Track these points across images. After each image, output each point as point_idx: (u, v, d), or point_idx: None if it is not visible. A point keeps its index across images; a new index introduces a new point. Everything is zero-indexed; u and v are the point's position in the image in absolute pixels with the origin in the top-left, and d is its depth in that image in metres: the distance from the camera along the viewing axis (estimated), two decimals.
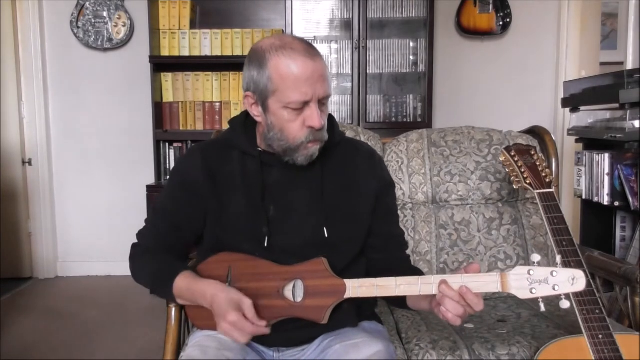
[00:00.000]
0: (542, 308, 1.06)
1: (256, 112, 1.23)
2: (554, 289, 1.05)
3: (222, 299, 1.12)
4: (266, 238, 1.23)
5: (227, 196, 1.26)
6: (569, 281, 1.05)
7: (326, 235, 1.24)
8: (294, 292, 1.17)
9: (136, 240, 1.34)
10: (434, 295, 1.11)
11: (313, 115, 1.16)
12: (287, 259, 1.20)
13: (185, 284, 1.21)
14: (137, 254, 1.32)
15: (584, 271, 1.14)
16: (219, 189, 1.26)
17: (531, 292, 1.05)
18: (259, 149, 1.27)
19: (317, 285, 1.16)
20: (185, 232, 1.30)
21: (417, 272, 1.35)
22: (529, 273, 1.05)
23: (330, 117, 1.29)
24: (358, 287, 1.14)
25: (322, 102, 1.19)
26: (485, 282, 1.07)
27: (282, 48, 1.16)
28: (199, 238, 1.33)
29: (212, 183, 1.26)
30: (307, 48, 1.17)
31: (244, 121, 1.31)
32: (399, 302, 1.30)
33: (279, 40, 1.18)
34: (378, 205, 1.32)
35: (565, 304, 1.07)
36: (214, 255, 1.26)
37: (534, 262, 1.07)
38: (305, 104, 1.16)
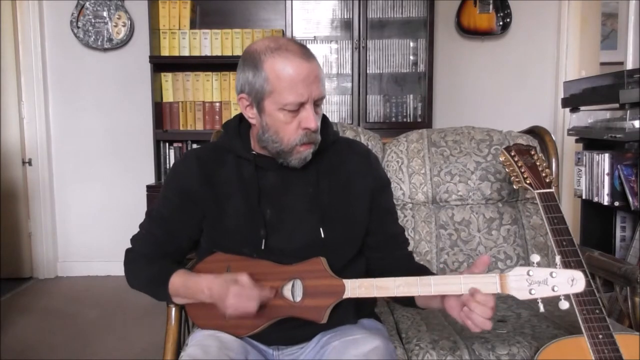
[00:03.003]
0: (542, 309, 1.06)
1: (251, 114, 1.23)
2: (553, 290, 1.05)
3: (218, 284, 1.15)
4: (263, 241, 1.23)
5: (223, 201, 1.26)
6: (568, 282, 1.05)
7: (322, 236, 1.24)
8: (293, 291, 1.17)
9: (130, 246, 1.34)
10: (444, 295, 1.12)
11: (309, 117, 1.17)
12: (284, 261, 1.20)
13: (180, 281, 1.23)
14: (132, 260, 1.32)
15: (584, 271, 1.14)
16: (215, 194, 1.26)
17: (530, 293, 1.05)
18: (254, 152, 1.27)
19: (316, 285, 1.16)
20: (181, 238, 1.31)
21: (420, 268, 1.35)
22: (528, 274, 1.06)
23: (324, 117, 1.29)
24: (357, 288, 1.14)
25: (317, 103, 1.19)
26: (485, 283, 1.08)
27: (277, 49, 1.16)
28: (195, 243, 1.33)
29: (208, 188, 1.27)
30: (302, 49, 1.18)
31: (238, 125, 1.31)
32: (407, 301, 1.30)
33: (273, 42, 1.18)
34: (374, 204, 1.32)
35: (564, 305, 1.07)
36: (212, 255, 1.26)
37: (533, 263, 1.07)
38: (301, 105, 1.16)
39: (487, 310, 1.07)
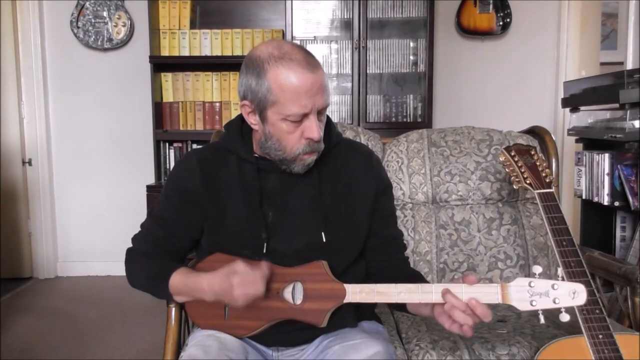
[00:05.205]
0: (542, 320, 1.05)
1: (253, 120, 1.21)
2: (554, 302, 1.04)
3: (219, 281, 1.13)
4: (265, 244, 1.23)
5: (225, 202, 1.26)
6: (569, 295, 1.05)
7: (324, 239, 1.24)
8: (294, 294, 1.17)
9: (131, 245, 1.33)
10: (435, 303, 1.11)
11: (312, 127, 1.15)
12: (286, 263, 1.19)
13: (180, 279, 1.21)
14: (133, 259, 1.31)
15: (583, 271, 1.14)
16: (216, 195, 1.26)
17: (531, 305, 1.05)
18: (256, 155, 1.26)
19: (316, 288, 1.16)
20: (182, 239, 1.30)
21: (417, 274, 1.35)
22: (529, 285, 1.05)
23: (328, 120, 1.28)
24: (358, 293, 1.14)
25: (321, 112, 1.18)
26: (486, 293, 1.07)
27: (281, 58, 1.13)
28: (196, 243, 1.33)
29: (209, 189, 1.26)
30: (307, 58, 1.15)
31: (240, 126, 1.30)
32: (398, 305, 1.30)
33: (277, 49, 1.15)
34: (376, 207, 1.32)
35: (565, 317, 1.07)
36: (212, 255, 1.26)
37: (535, 274, 1.07)
38: (305, 115, 1.15)
39: (468, 318, 1.05)
